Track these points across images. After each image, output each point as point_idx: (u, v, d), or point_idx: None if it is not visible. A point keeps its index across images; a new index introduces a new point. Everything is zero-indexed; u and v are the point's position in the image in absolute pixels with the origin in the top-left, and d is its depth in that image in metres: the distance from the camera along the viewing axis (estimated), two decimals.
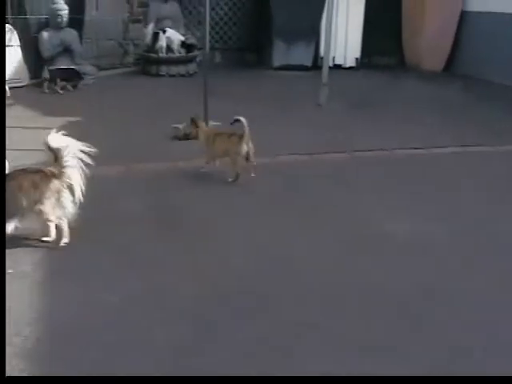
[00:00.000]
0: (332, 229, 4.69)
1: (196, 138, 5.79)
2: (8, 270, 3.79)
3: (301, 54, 12.37)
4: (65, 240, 4.17)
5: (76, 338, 3.20)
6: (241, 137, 5.39)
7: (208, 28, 6.73)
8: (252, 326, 3.33)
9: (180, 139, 6.67)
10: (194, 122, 5.80)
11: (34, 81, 10.23)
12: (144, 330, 3.28)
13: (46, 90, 9.77)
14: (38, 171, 4.10)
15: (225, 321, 3.37)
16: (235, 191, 5.42)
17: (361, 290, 3.77)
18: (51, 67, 10.09)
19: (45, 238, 4.17)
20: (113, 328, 3.29)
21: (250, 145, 5.49)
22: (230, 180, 5.56)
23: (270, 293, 3.69)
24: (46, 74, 9.95)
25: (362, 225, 4.76)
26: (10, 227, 4.08)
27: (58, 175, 4.08)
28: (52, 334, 3.24)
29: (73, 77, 10.07)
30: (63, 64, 10.31)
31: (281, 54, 12.35)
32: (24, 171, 4.13)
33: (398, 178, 6.01)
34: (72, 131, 4.30)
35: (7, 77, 9.82)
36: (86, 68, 10.57)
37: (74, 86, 10.04)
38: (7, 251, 3.90)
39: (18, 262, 3.95)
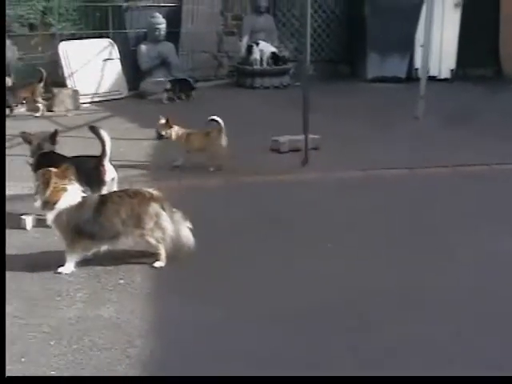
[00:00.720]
0: (454, 252, 4.49)
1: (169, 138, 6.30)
2: (119, 281, 3.86)
3: (395, 66, 12.15)
4: (160, 264, 4.10)
5: (188, 349, 3.21)
6: (219, 131, 6.22)
7: (309, 41, 6.65)
8: None
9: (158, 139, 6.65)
10: (167, 122, 6.31)
11: (132, 92, 10.49)
12: (252, 341, 3.25)
13: (165, 101, 9.98)
14: (136, 194, 4.08)
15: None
16: (343, 202, 5.35)
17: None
18: (170, 78, 10.30)
19: (156, 264, 4.10)
20: (220, 339, 3.28)
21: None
22: (212, 170, 6.25)
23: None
24: (167, 85, 10.10)
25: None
26: (102, 248, 4.12)
27: (157, 197, 4.07)
28: (163, 345, 3.25)
29: (187, 87, 10.25)
30: (160, 76, 10.54)
31: (375, 65, 12.16)
32: (122, 194, 4.12)
33: (505, 194, 5.77)
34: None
35: (107, 89, 10.16)
36: None
37: (188, 97, 10.21)
38: (119, 266, 3.98)
39: (128, 275, 4.01)
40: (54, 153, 5.00)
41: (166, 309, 3.65)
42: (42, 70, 9.10)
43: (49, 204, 3.96)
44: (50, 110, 9.28)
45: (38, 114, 8.94)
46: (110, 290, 3.85)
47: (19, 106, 9.08)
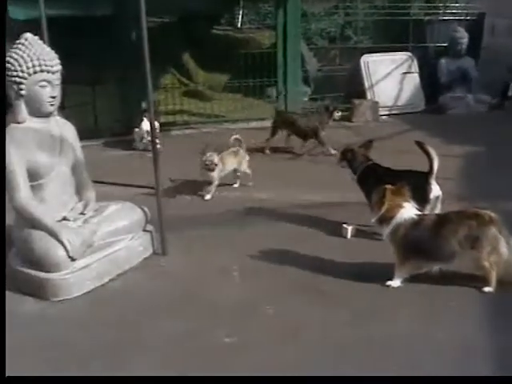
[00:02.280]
0: None
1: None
2: (449, 302, 3.79)
3: None
4: (490, 289, 3.93)
5: None
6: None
7: None
8: None
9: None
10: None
11: (428, 106, 10.33)
12: None
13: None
14: (475, 215, 3.94)
15: None
16: None
17: None
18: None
19: (486, 289, 3.96)
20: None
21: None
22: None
23: None
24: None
25: None
26: (434, 268, 4.06)
27: (495, 220, 3.89)
28: None
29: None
30: (459, 91, 10.27)
31: None
32: (460, 214, 4.03)
33: None
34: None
35: (405, 102, 10.15)
36: (482, 96, 10.31)
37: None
38: (448, 286, 3.90)
39: (457, 297, 3.92)
40: (379, 165, 5.06)
41: (499, 335, 3.48)
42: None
43: (385, 219, 4.02)
44: (349, 121, 9.54)
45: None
46: (438, 310, 3.79)
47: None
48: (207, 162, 5.88)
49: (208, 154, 5.91)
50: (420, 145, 4.71)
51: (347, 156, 5.13)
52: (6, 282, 3.95)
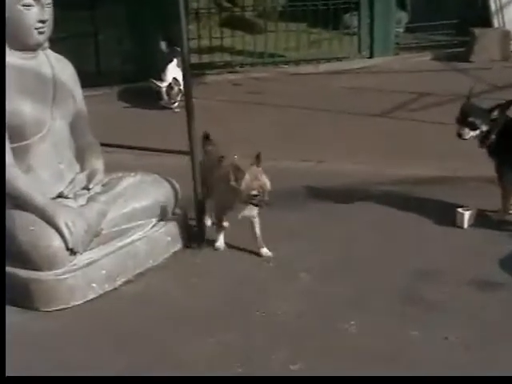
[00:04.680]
0: None
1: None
2: None
3: None
4: None
5: None
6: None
7: None
8: None
9: None
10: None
11: None
12: None
13: None
14: None
15: None
16: None
17: None
18: None
19: None
20: None
21: None
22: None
23: None
24: None
25: None
26: None
27: None
28: None
29: None
30: None
31: None
32: None
33: None
34: None
35: None
36: None
37: None
38: None
39: None
40: None
41: None
42: None
43: None
44: (465, 60, 9.45)
45: None
46: None
47: None
48: (257, 192, 4.53)
49: (251, 175, 4.53)
50: None
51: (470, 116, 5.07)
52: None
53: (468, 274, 4.37)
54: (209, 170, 4.87)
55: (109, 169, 4.72)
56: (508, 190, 5.03)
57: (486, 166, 5.04)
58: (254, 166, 4.53)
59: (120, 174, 4.69)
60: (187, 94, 4.80)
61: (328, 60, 9.73)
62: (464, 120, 4.99)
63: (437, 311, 3.95)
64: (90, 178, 4.53)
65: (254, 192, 4.45)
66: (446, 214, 5.10)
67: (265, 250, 4.69)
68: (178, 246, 4.78)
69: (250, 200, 4.51)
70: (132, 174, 4.74)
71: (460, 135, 4.99)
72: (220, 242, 4.79)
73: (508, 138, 4.91)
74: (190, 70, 5.03)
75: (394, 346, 3.69)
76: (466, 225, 5.00)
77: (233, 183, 4.49)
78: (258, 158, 4.53)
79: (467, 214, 5.01)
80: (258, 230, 4.70)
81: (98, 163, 4.63)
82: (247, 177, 4.47)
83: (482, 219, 5.05)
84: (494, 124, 4.97)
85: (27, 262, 4.13)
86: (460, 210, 5.03)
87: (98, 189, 4.51)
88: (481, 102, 5.26)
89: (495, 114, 4.95)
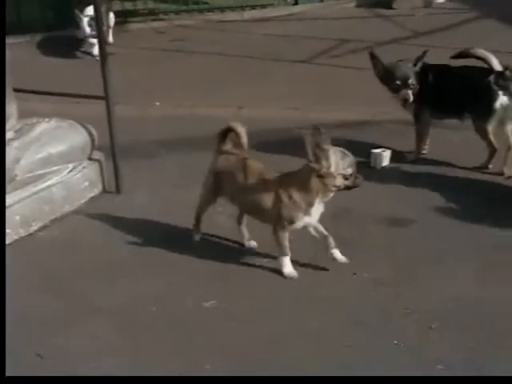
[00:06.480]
0: None
1: None
2: None
3: None
4: None
5: None
6: None
7: None
8: None
9: None
10: None
11: None
12: None
13: None
14: None
15: None
16: None
17: None
18: None
19: None
20: None
21: None
22: None
23: None
24: None
25: None
26: None
27: None
28: None
29: None
30: None
31: None
32: None
33: None
34: None
35: None
36: None
37: None
38: None
39: None
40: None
41: None
42: None
43: None
44: (388, 7, 9.53)
45: None
46: None
47: None
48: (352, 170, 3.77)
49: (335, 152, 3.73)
50: (464, 54, 4.97)
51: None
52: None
53: (380, 212, 4.48)
54: (227, 175, 4.05)
55: (24, 114, 4.69)
56: (423, 132, 5.17)
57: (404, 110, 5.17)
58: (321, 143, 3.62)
59: (34, 120, 4.66)
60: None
61: (253, 7, 9.68)
62: (405, 84, 5.06)
63: (348, 249, 3.98)
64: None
65: (349, 170, 3.71)
66: (362, 156, 5.15)
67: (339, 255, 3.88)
68: (96, 191, 4.80)
69: (342, 184, 3.74)
70: (46, 119, 4.71)
71: (406, 100, 5.08)
72: (289, 268, 3.86)
73: (425, 83, 5.02)
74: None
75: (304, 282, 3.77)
76: (380, 165, 5.11)
77: (314, 165, 3.64)
78: (318, 131, 3.63)
79: (382, 155, 5.13)
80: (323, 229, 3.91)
81: (10, 108, 4.57)
82: (333, 154, 3.67)
83: (396, 160, 5.17)
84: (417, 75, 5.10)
85: None
86: (375, 150, 5.15)
87: (10, 134, 4.48)
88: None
89: (418, 66, 5.05)
